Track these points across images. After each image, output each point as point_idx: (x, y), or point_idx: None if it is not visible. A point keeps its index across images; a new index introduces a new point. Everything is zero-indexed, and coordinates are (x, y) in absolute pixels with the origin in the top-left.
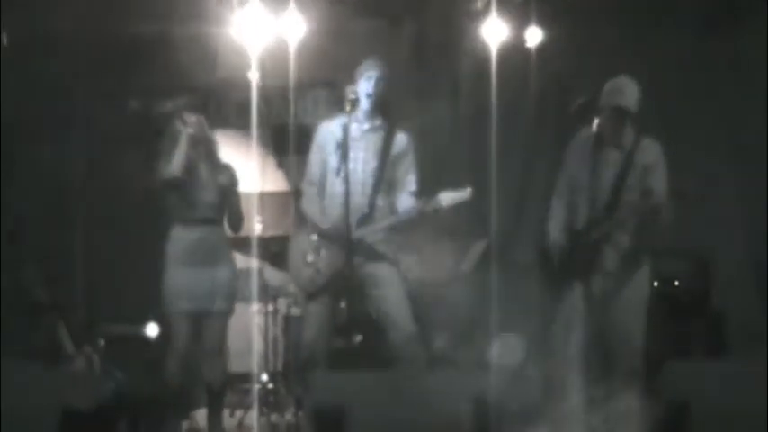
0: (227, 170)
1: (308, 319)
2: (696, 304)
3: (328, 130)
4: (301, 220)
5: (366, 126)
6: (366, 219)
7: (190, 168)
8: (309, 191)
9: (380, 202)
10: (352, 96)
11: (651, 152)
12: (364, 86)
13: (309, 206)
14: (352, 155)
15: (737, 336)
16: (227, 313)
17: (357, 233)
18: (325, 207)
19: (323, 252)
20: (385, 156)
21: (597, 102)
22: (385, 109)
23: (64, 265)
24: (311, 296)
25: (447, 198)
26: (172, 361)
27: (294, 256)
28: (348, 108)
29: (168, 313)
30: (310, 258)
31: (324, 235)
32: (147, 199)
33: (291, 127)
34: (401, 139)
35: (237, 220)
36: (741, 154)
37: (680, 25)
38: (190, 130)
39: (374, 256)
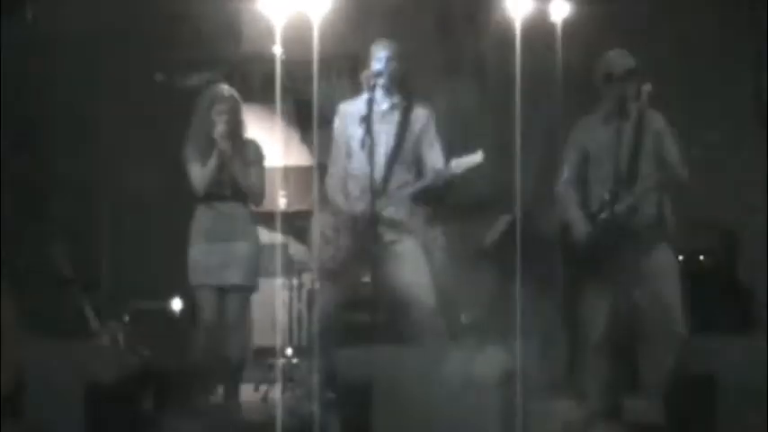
0: (253, 145)
1: (323, 295)
2: (722, 279)
3: (348, 111)
4: (324, 197)
5: (384, 106)
6: (387, 196)
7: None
8: (332, 171)
9: (401, 179)
10: (367, 80)
11: (656, 120)
12: (376, 67)
13: (332, 186)
14: (373, 134)
15: (764, 310)
16: (249, 288)
17: (378, 206)
18: (348, 185)
19: (343, 229)
20: (404, 133)
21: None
22: (402, 87)
23: (90, 241)
24: (330, 273)
25: (459, 164)
26: (198, 335)
27: (316, 233)
28: (366, 90)
29: (193, 288)
30: (331, 235)
31: (345, 213)
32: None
33: (315, 101)
34: (420, 115)
35: (260, 194)
36: None
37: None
38: (222, 128)
39: (396, 231)
